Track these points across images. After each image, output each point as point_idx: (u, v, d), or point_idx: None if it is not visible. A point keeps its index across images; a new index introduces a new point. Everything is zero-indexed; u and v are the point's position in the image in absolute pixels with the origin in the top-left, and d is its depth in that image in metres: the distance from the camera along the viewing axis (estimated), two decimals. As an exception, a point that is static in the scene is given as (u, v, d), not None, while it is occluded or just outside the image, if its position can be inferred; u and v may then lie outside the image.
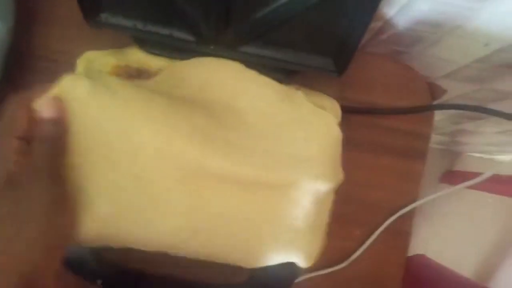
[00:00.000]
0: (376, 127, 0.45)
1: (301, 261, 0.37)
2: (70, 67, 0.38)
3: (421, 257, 0.74)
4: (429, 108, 0.45)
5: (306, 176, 0.35)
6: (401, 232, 0.45)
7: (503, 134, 0.90)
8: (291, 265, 0.38)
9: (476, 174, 1.24)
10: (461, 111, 0.79)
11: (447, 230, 1.24)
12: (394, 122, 0.45)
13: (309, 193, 0.36)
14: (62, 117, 0.30)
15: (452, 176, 1.22)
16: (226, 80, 0.37)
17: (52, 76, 0.42)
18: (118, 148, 0.32)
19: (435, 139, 1.11)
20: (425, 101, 0.46)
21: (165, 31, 0.38)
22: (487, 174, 0.43)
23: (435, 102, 0.46)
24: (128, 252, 0.37)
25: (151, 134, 0.32)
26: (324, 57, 0.38)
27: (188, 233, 0.35)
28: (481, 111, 0.43)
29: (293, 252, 0.36)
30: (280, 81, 0.40)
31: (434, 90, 0.46)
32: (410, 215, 0.45)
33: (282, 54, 0.38)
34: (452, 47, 0.49)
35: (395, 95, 0.45)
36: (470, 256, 1.25)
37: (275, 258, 0.37)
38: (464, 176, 1.21)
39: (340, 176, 0.38)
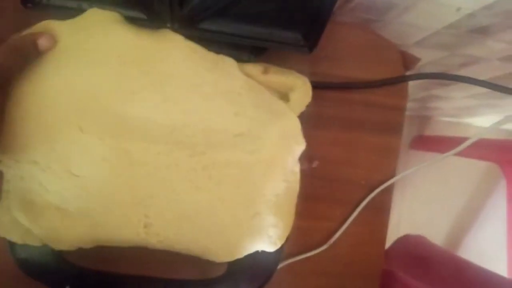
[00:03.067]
0: (349, 102, 0.43)
1: (270, 245, 0.35)
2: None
3: (420, 238, 0.74)
4: (403, 79, 0.43)
5: (242, 152, 0.35)
6: (381, 209, 0.44)
7: (471, 98, 0.90)
8: (269, 254, 0.36)
9: (447, 138, 1.26)
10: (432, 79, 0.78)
11: (419, 196, 1.27)
12: (368, 95, 0.43)
13: (255, 169, 0.35)
14: None
15: (422, 142, 1.24)
16: (148, 42, 0.34)
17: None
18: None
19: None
20: (398, 71, 0.44)
21: (114, 10, 0.34)
22: (473, 139, 0.42)
23: (409, 72, 0.45)
24: (96, 254, 0.35)
25: None
26: (293, 32, 0.35)
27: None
28: (456, 79, 0.42)
29: (262, 237, 0.35)
30: (246, 60, 0.37)
31: (407, 59, 0.44)
32: (389, 191, 0.44)
33: (247, 30, 0.34)
34: (424, 13, 0.47)
35: (367, 66, 0.43)
36: (442, 220, 1.28)
37: (244, 246, 0.35)
38: (435, 140, 1.22)
39: (298, 146, 0.36)
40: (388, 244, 0.74)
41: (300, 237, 0.42)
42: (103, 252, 0.35)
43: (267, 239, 0.35)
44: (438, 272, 0.61)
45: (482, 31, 0.51)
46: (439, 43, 0.57)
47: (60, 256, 0.35)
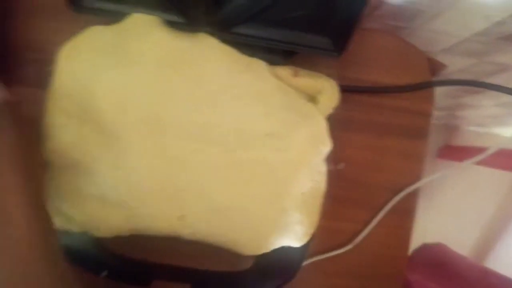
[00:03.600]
0: (376, 106, 0.44)
1: (296, 241, 0.37)
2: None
3: (442, 246, 0.74)
4: (430, 85, 0.44)
5: (270, 152, 0.36)
6: (406, 212, 0.45)
7: (500, 107, 0.89)
8: (295, 250, 0.37)
9: (474, 148, 1.25)
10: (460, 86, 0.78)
11: (445, 205, 1.25)
12: (394, 100, 0.44)
13: (284, 168, 0.37)
14: None
15: (449, 151, 1.22)
16: (185, 45, 0.36)
17: (40, 65, 0.41)
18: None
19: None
20: (425, 77, 0.45)
21: (153, 14, 0.36)
22: (493, 149, 0.42)
23: (435, 78, 0.45)
24: (133, 242, 0.37)
25: None
26: (323, 37, 0.36)
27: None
28: (483, 86, 0.42)
29: (288, 233, 0.36)
30: (277, 63, 0.39)
31: (433, 65, 0.45)
32: (414, 195, 0.44)
33: (278, 35, 0.36)
34: (452, 20, 0.48)
35: (395, 72, 0.44)
36: (469, 232, 1.26)
37: (271, 241, 0.37)
38: (462, 150, 1.21)
39: (325, 147, 0.37)
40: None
41: (325, 237, 0.43)
42: (138, 241, 0.38)
43: (293, 235, 0.37)
44: (461, 279, 0.61)
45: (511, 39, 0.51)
46: (467, 51, 0.57)
47: (98, 243, 0.38)
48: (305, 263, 0.43)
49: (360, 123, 0.44)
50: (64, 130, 0.35)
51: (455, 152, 1.22)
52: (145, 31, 0.37)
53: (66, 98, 0.36)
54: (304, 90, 0.39)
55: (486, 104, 0.90)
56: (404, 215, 0.44)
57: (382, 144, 0.44)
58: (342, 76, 0.42)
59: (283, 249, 0.37)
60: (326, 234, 0.42)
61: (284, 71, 0.38)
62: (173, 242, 0.37)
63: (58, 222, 0.36)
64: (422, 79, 0.45)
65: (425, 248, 0.77)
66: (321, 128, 0.37)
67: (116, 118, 0.35)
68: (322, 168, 0.38)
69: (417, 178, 0.44)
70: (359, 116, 0.44)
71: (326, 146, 0.37)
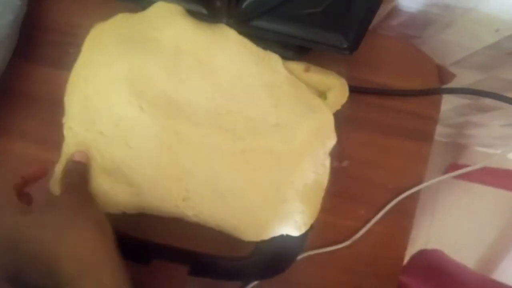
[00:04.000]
0: (384, 108, 0.45)
1: (295, 230, 0.38)
2: (79, 39, 0.39)
3: (437, 252, 0.74)
4: (438, 91, 0.45)
5: (277, 141, 0.37)
6: (406, 213, 0.45)
7: (508, 127, 0.89)
8: (294, 239, 0.38)
9: (481, 168, 1.24)
10: (468, 101, 0.79)
11: (450, 224, 1.24)
12: (402, 104, 0.45)
13: (291, 159, 0.38)
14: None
15: (456, 169, 1.22)
16: (204, 34, 0.38)
17: (62, 48, 0.43)
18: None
19: (441, 131, 1.11)
20: (433, 84, 0.46)
21: (176, 3, 0.38)
22: (481, 164, 0.43)
23: (445, 86, 0.46)
24: (136, 221, 0.39)
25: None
26: (336, 34, 0.38)
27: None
28: (492, 96, 0.43)
29: (288, 221, 0.37)
30: (290, 58, 0.40)
31: (443, 74, 0.46)
32: (415, 197, 0.45)
33: (293, 30, 0.38)
34: (463, 31, 0.49)
35: (404, 76, 0.45)
36: (472, 251, 1.25)
37: (271, 228, 0.38)
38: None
39: (330, 141, 0.39)
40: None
41: (324, 232, 0.44)
42: (143, 221, 0.39)
43: (293, 223, 0.38)
44: (458, 285, 0.61)
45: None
46: (477, 64, 0.58)
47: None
48: (303, 255, 0.44)
49: (366, 123, 0.45)
50: (79, 108, 0.37)
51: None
52: (167, 19, 0.39)
53: (87, 78, 0.37)
54: (315, 86, 0.40)
55: (494, 124, 0.90)
56: (404, 216, 0.45)
57: (387, 145, 0.45)
58: (352, 77, 0.43)
59: (282, 238, 0.38)
60: (326, 229, 0.44)
61: (297, 66, 0.40)
62: (177, 225, 0.39)
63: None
64: (431, 86, 0.46)
65: (422, 254, 0.77)
66: (328, 122, 0.38)
67: (132, 99, 0.36)
68: (326, 162, 0.39)
69: (420, 180, 0.45)
70: (366, 116, 0.45)
71: (331, 140, 0.38)
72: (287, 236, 0.38)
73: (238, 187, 0.38)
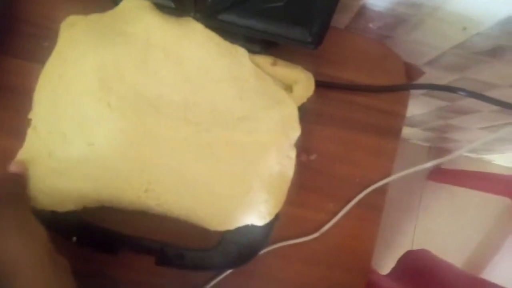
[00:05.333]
0: (351, 103, 0.46)
1: (260, 219, 0.38)
2: (53, 32, 0.39)
3: (423, 252, 0.74)
4: (405, 88, 0.46)
5: (242, 133, 0.38)
6: (374, 207, 0.46)
7: (485, 131, 0.91)
8: (258, 229, 0.39)
9: (463, 173, 1.25)
10: (444, 103, 0.80)
11: (435, 228, 1.25)
12: (370, 99, 0.46)
13: (258, 150, 0.38)
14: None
15: (440, 174, 1.24)
16: (172, 28, 0.39)
17: (36, 41, 0.43)
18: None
19: (422, 136, 1.12)
20: (401, 80, 0.47)
21: (146, -2, 0.39)
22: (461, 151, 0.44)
23: (412, 83, 0.47)
24: (104, 214, 0.39)
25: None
26: (300, 28, 0.39)
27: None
28: (454, 91, 0.44)
29: (253, 211, 0.38)
30: (257, 52, 0.41)
31: (411, 71, 0.47)
32: (383, 191, 0.46)
33: (258, 24, 0.38)
34: (432, 31, 0.50)
35: (371, 73, 0.46)
36: (458, 255, 1.26)
37: (236, 218, 0.38)
38: (452, 173, 1.22)
39: (294, 132, 0.39)
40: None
41: (292, 224, 0.44)
42: (111, 213, 0.39)
43: (257, 213, 0.38)
44: (445, 284, 0.61)
45: (491, 54, 0.53)
46: (448, 65, 0.59)
47: (74, 213, 0.39)
48: (271, 247, 0.44)
49: (334, 118, 0.46)
50: (47, 107, 0.37)
51: (446, 175, 1.23)
52: (136, 14, 0.39)
53: (60, 75, 0.38)
54: (281, 79, 0.41)
55: (473, 127, 0.92)
56: (372, 209, 0.46)
57: (354, 140, 0.46)
58: (319, 73, 0.44)
59: (247, 228, 0.39)
60: (293, 222, 0.44)
61: (264, 60, 0.41)
62: (144, 217, 0.39)
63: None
64: (398, 82, 0.47)
65: (409, 255, 0.78)
66: (292, 114, 0.39)
67: (101, 96, 0.37)
68: (291, 153, 0.39)
69: (387, 174, 0.46)
70: (334, 111, 0.46)
71: (295, 132, 0.39)
72: (253, 226, 0.39)
73: (203, 178, 0.38)
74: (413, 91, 0.75)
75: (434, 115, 0.90)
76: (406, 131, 1.10)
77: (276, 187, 0.39)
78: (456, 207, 1.25)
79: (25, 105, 0.38)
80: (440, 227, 1.25)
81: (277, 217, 0.39)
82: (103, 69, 0.37)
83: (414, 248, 1.23)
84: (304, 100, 0.41)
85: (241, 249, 0.40)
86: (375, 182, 0.46)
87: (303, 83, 0.41)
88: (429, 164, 0.46)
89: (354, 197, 0.45)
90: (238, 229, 0.39)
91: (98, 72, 0.37)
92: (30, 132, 0.37)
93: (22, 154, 0.37)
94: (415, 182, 1.24)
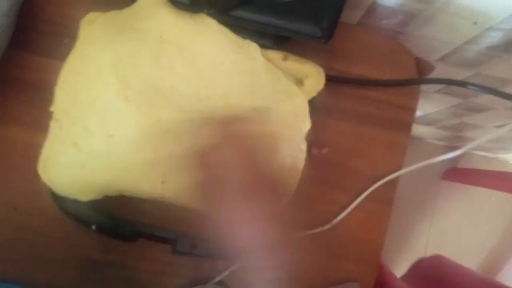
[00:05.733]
0: (363, 98, 0.47)
1: None
2: (74, 30, 0.41)
3: (437, 258, 0.74)
4: (416, 82, 0.47)
5: (254, 125, 0.39)
6: (384, 200, 0.46)
7: (502, 128, 0.90)
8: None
9: (479, 172, 1.24)
10: (459, 101, 0.80)
11: (450, 228, 1.24)
12: (381, 94, 0.47)
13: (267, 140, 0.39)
14: None
15: (455, 173, 1.22)
16: (186, 24, 0.40)
17: (56, 39, 0.45)
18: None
19: (438, 134, 1.11)
20: (412, 75, 0.47)
21: (161, -6, 0.40)
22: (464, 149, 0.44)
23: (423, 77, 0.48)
24: (123, 204, 0.41)
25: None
26: (310, 23, 0.40)
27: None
28: (464, 85, 0.44)
29: None
30: (269, 47, 0.42)
31: (422, 66, 0.48)
32: (393, 184, 0.46)
33: (270, 19, 0.39)
34: (444, 26, 0.51)
35: (382, 68, 0.47)
36: (473, 256, 1.24)
37: None
38: (467, 173, 1.21)
39: (305, 125, 0.40)
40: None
41: (304, 216, 0.45)
42: (129, 203, 0.41)
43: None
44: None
45: (504, 49, 0.53)
46: (462, 60, 0.59)
47: (91, 202, 0.41)
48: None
49: (345, 112, 0.47)
50: (69, 101, 0.39)
51: (461, 174, 1.22)
52: (151, 10, 0.41)
53: (79, 71, 0.40)
54: (292, 73, 0.42)
55: (488, 126, 0.91)
56: (382, 202, 0.46)
57: (366, 133, 0.47)
58: (331, 68, 0.45)
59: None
60: (305, 213, 0.45)
61: (275, 54, 0.42)
62: (161, 207, 0.40)
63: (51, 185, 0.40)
64: (409, 77, 0.47)
65: (421, 262, 0.77)
66: (303, 107, 0.40)
67: (120, 90, 0.38)
68: (302, 146, 0.40)
69: (397, 168, 0.46)
70: (345, 105, 0.47)
71: (306, 125, 0.40)
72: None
73: None
74: (426, 89, 0.76)
75: (448, 113, 0.90)
76: (421, 130, 1.10)
77: (287, 177, 0.40)
78: (472, 207, 1.23)
79: (45, 100, 0.39)
80: (456, 227, 1.23)
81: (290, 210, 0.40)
82: (120, 64, 0.39)
83: (429, 248, 1.23)
84: (314, 94, 0.41)
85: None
86: (385, 175, 0.46)
87: (314, 77, 0.42)
88: (440, 158, 0.46)
89: (365, 190, 0.46)
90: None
91: (115, 67, 0.39)
92: (53, 124, 0.39)
93: (48, 143, 0.39)
94: (430, 182, 1.23)
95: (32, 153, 0.39)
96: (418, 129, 1.10)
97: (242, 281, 0.44)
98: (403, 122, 0.47)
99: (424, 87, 0.75)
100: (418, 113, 0.97)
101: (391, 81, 0.46)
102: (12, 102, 0.45)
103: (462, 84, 0.45)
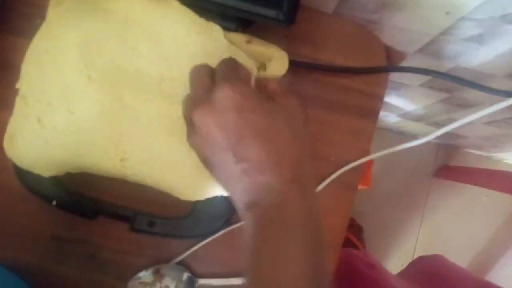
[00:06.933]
0: (330, 85, 0.47)
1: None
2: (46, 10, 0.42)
3: (438, 257, 0.74)
4: (383, 69, 0.47)
5: None
6: (349, 186, 0.46)
7: (492, 125, 0.89)
8: (227, 201, 0.40)
9: (472, 170, 1.23)
10: (445, 95, 0.79)
11: (440, 226, 1.24)
12: (349, 81, 0.47)
13: None
14: None
15: (447, 171, 1.22)
16: (150, 4, 0.40)
17: (30, 18, 0.46)
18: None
19: (429, 131, 1.11)
20: (381, 63, 0.47)
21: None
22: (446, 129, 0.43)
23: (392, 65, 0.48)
24: (84, 181, 0.42)
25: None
26: (273, 8, 0.40)
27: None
28: (427, 73, 0.44)
29: None
30: (232, 30, 0.42)
31: (393, 54, 0.48)
32: (358, 171, 0.46)
33: (233, 2, 0.40)
34: (416, 16, 0.50)
35: (351, 55, 0.47)
36: (463, 254, 1.24)
37: (206, 189, 0.40)
38: (460, 171, 1.20)
39: None
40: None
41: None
42: (90, 181, 0.41)
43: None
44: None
45: (478, 40, 0.53)
46: (439, 53, 0.59)
47: (53, 178, 0.42)
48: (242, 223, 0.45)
49: (312, 99, 0.47)
50: (35, 78, 0.40)
51: (453, 172, 1.21)
52: None
53: (43, 45, 0.40)
54: (255, 57, 0.42)
55: (476, 122, 0.90)
56: (347, 188, 0.46)
57: (332, 120, 0.47)
58: (299, 54, 0.45)
59: (216, 199, 0.40)
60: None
61: (238, 37, 0.42)
62: (122, 185, 0.41)
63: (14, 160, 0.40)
64: (378, 65, 0.47)
65: (421, 260, 0.77)
66: None
67: (82, 68, 0.39)
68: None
69: (363, 154, 0.46)
70: (312, 91, 0.47)
71: None
72: (222, 197, 0.40)
73: (174, 150, 0.40)
74: (410, 82, 0.75)
75: (437, 108, 0.89)
76: (412, 126, 1.09)
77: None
78: (463, 206, 1.22)
79: (17, 80, 0.40)
80: (446, 225, 1.23)
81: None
82: (85, 44, 0.40)
83: (418, 246, 1.22)
84: (277, 77, 0.42)
85: (211, 219, 0.41)
86: (351, 162, 0.46)
87: (277, 60, 0.42)
88: (403, 146, 0.46)
89: (330, 175, 0.46)
90: (208, 200, 0.40)
91: (80, 46, 0.40)
92: (18, 100, 0.40)
93: (13, 119, 0.40)
94: (422, 180, 1.22)
95: (0, 130, 0.40)
96: (409, 125, 1.09)
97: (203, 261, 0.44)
98: (370, 109, 0.47)
99: (407, 80, 0.75)
100: (407, 108, 0.97)
101: (359, 68, 0.46)
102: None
103: (426, 72, 0.45)
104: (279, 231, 0.29)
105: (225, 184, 0.33)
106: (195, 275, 0.45)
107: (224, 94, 0.31)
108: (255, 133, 0.30)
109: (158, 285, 0.43)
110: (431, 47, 0.58)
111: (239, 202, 0.32)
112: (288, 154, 0.31)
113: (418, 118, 1.02)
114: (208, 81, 0.34)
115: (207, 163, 0.34)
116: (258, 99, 0.32)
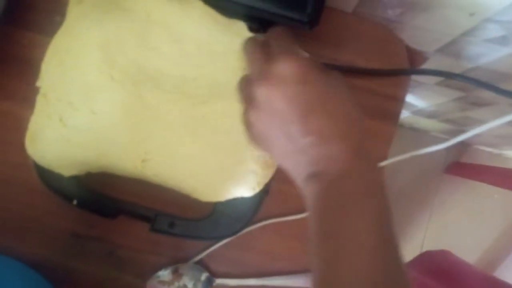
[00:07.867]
0: (351, 86, 0.46)
1: (249, 191, 0.39)
2: (65, 7, 0.41)
3: (445, 253, 0.73)
4: (405, 72, 0.46)
5: (237, 102, 0.37)
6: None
7: (507, 124, 0.88)
8: (248, 200, 0.40)
9: (483, 167, 1.22)
10: (461, 94, 0.78)
11: (449, 223, 1.23)
12: (370, 83, 0.46)
13: None
14: None
15: (458, 168, 1.21)
16: (173, 4, 0.40)
17: (49, 15, 0.45)
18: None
19: (441, 128, 1.10)
20: (402, 65, 0.47)
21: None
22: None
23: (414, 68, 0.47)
24: (105, 180, 0.42)
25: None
26: (297, 10, 0.39)
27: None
28: (456, 78, 0.44)
29: (243, 182, 0.39)
30: (254, 31, 0.42)
31: (414, 56, 0.47)
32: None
33: (257, 3, 0.39)
34: (440, 16, 0.50)
35: (372, 56, 0.46)
36: (471, 251, 1.24)
37: (227, 189, 0.40)
38: (471, 168, 1.20)
39: None
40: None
41: (286, 201, 0.45)
42: (111, 180, 0.41)
43: (247, 184, 0.39)
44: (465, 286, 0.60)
45: (501, 42, 0.52)
46: (460, 53, 0.58)
47: (74, 177, 0.42)
48: (265, 223, 0.45)
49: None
50: (56, 77, 0.40)
51: (465, 169, 1.20)
52: None
53: (67, 48, 0.40)
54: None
55: (490, 119, 0.89)
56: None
57: (351, 122, 0.46)
58: (320, 54, 0.45)
59: (237, 200, 0.40)
60: (287, 198, 0.45)
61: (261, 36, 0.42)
62: (142, 185, 0.41)
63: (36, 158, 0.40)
64: (400, 67, 0.47)
65: (428, 255, 0.77)
66: None
67: (104, 68, 0.39)
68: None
69: (383, 157, 0.46)
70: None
71: None
72: (243, 199, 0.40)
73: (196, 150, 0.40)
74: (426, 80, 0.74)
75: (451, 106, 0.89)
76: (425, 122, 1.09)
77: (266, 158, 0.40)
78: (472, 203, 1.22)
79: (36, 77, 0.40)
80: (455, 222, 1.22)
81: (266, 192, 0.40)
82: (107, 44, 0.39)
83: (426, 241, 1.22)
84: None
85: (230, 221, 0.41)
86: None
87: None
88: (424, 151, 0.46)
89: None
90: (229, 201, 0.40)
91: (102, 46, 0.39)
92: (39, 98, 0.40)
93: (34, 117, 0.40)
94: (432, 176, 1.22)
95: (22, 127, 0.40)
96: (421, 122, 1.09)
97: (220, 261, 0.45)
98: (390, 112, 0.47)
99: (424, 78, 0.74)
100: (420, 105, 0.96)
101: (381, 70, 0.46)
102: (3, 77, 0.46)
103: (450, 75, 0.44)
104: (349, 198, 0.29)
105: (283, 158, 0.33)
106: (213, 275, 0.45)
107: (288, 66, 0.30)
108: (323, 104, 0.30)
109: (176, 284, 0.44)
110: (451, 47, 0.57)
111: (300, 174, 0.31)
112: (353, 123, 0.31)
113: (431, 115, 1.02)
114: (265, 54, 0.33)
115: (261, 139, 0.33)
116: (319, 70, 0.31)
